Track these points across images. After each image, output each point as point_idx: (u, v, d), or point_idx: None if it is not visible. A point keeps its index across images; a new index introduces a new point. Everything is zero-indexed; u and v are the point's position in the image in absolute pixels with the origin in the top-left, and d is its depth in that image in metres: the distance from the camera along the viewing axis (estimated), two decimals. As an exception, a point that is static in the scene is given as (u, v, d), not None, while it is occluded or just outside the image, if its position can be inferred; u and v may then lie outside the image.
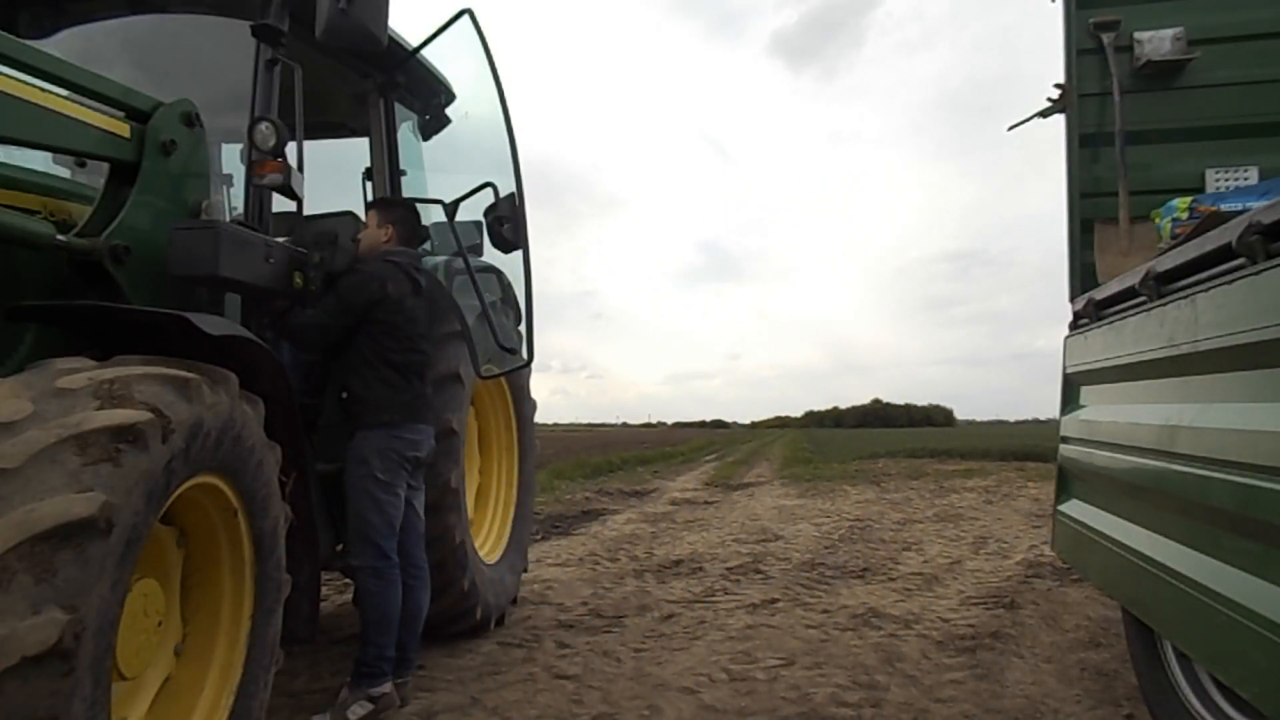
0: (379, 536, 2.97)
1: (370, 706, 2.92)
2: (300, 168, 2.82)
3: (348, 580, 3.97)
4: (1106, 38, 3.50)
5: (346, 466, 3.02)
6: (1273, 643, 1.57)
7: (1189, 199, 3.05)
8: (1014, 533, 7.35)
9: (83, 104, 2.26)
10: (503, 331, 3.79)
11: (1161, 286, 2.34)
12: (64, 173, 2.76)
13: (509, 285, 4.10)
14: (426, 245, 3.95)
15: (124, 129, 2.38)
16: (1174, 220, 3.03)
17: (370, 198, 3.80)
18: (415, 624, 3.19)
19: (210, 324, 2.16)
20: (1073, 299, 3.44)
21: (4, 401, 1.60)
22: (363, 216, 3.80)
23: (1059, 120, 3.64)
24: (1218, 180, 3.36)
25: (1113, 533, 2.63)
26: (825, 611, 4.58)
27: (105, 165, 2.40)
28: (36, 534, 1.44)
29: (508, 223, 3.43)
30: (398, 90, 3.77)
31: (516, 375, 4.36)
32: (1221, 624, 1.78)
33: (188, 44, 3.20)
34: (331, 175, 3.97)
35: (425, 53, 3.62)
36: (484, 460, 4.44)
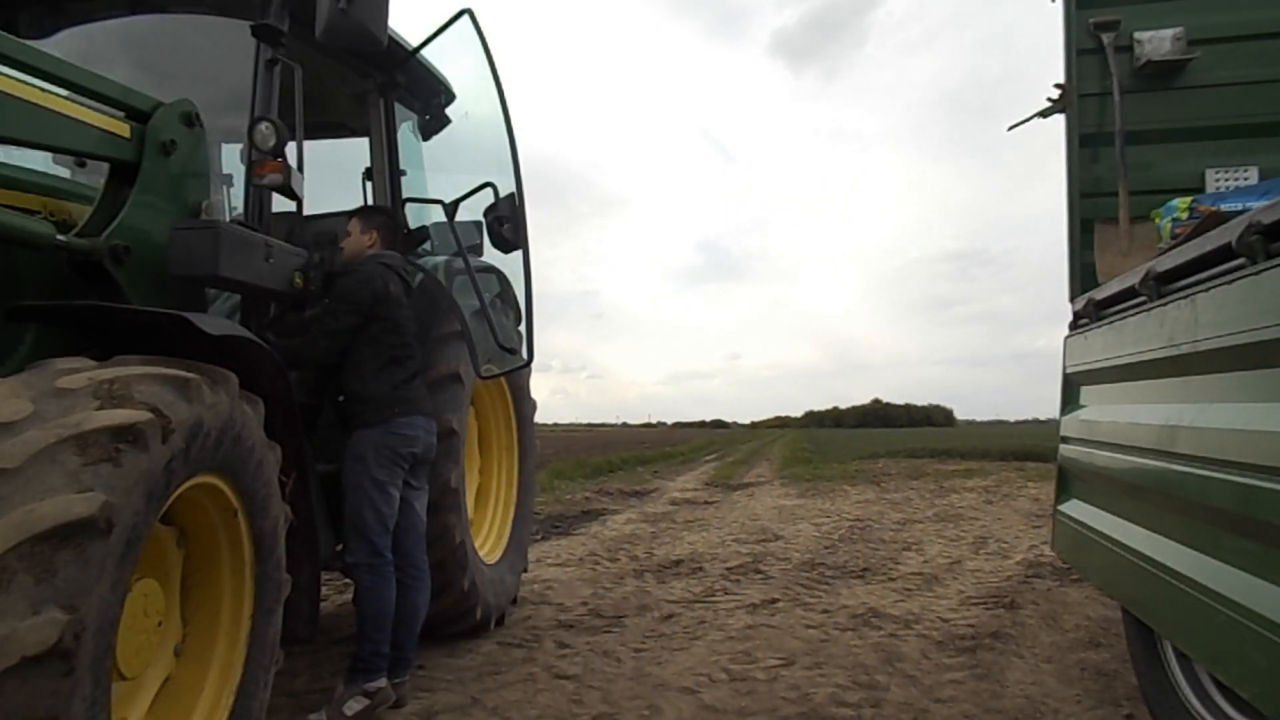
0: (373, 533, 2.98)
1: (366, 701, 2.93)
2: (300, 168, 2.82)
3: (348, 580, 3.97)
4: (1106, 38, 3.50)
5: (344, 464, 3.03)
6: (1273, 643, 1.57)
7: (1189, 199, 3.05)
8: (1014, 533, 7.35)
9: (83, 104, 2.26)
10: (502, 331, 3.79)
11: (1161, 286, 2.34)
12: (64, 173, 2.76)
13: (509, 285, 4.10)
14: (426, 245, 3.95)
15: (124, 129, 2.38)
16: (1174, 220, 3.03)
17: (371, 197, 3.80)
18: (413, 623, 3.19)
19: (210, 324, 2.16)
20: (1073, 299, 3.44)
21: (4, 401, 1.60)
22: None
23: (1059, 120, 3.64)
24: (1218, 180, 3.36)
25: (1113, 533, 2.63)
26: (825, 611, 4.58)
27: (105, 165, 2.40)
28: (36, 534, 1.44)
29: (508, 223, 3.43)
30: (398, 90, 3.77)
31: (516, 375, 4.36)
32: (1221, 624, 1.78)
33: (188, 44, 3.20)
34: (331, 175, 3.97)
35: (425, 52, 3.62)
36: (484, 460, 4.44)
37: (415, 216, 3.91)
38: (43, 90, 2.12)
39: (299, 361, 3.01)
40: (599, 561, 6.21)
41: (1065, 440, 3.30)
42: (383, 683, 3.00)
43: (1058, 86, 3.62)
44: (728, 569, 5.83)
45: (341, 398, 3.11)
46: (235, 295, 2.91)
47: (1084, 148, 3.54)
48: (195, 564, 2.17)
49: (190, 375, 1.91)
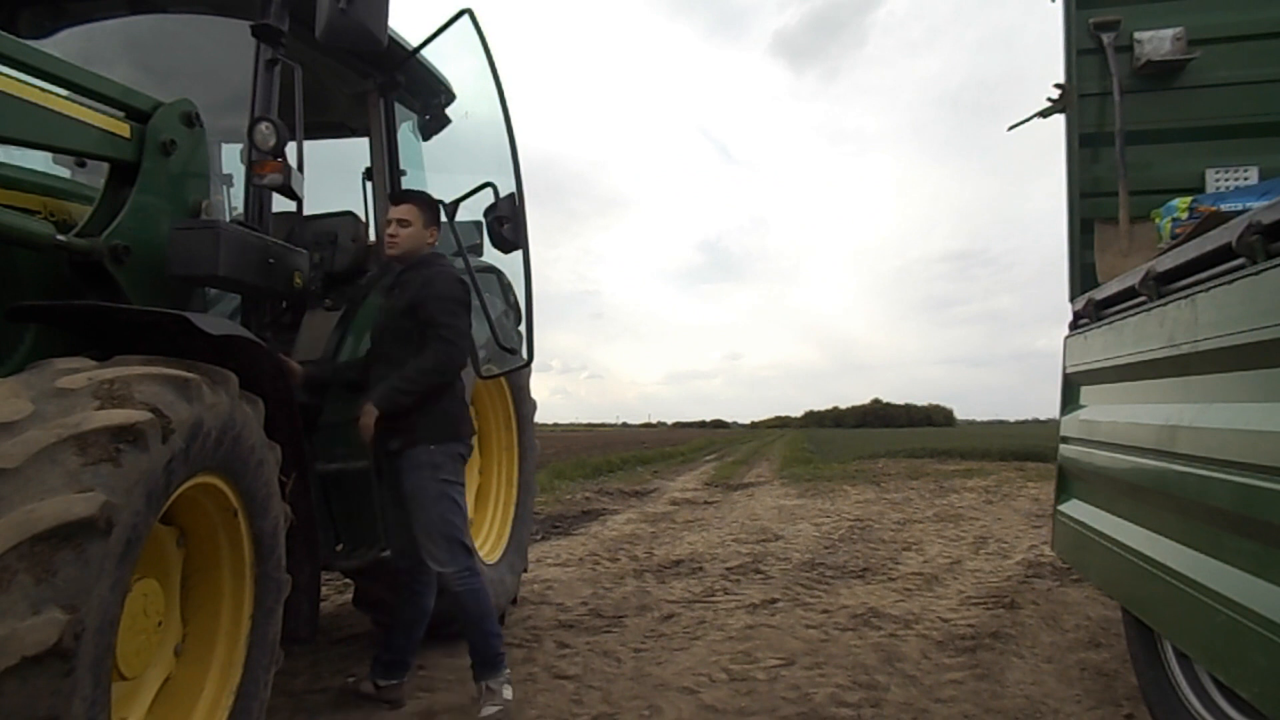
0: (463, 535, 2.97)
1: (509, 686, 3.01)
2: (300, 168, 2.82)
3: (348, 580, 3.97)
4: (1106, 38, 3.50)
5: (411, 475, 2.92)
6: (1273, 643, 1.57)
7: (1189, 199, 3.05)
8: (1014, 533, 7.35)
9: (83, 104, 2.25)
10: (503, 331, 3.79)
11: (1161, 286, 2.34)
12: (64, 173, 2.76)
13: (509, 285, 4.10)
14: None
15: (124, 129, 2.37)
16: (1174, 220, 3.03)
17: (371, 198, 3.80)
18: (417, 629, 3.18)
19: (210, 324, 2.15)
20: (1073, 299, 3.44)
21: (4, 401, 1.60)
22: (363, 216, 3.79)
23: (1059, 120, 3.64)
24: (1218, 180, 3.36)
25: (1113, 533, 2.63)
26: (825, 611, 4.58)
27: (105, 165, 2.40)
28: (36, 534, 1.44)
29: (508, 223, 3.43)
30: (398, 90, 3.77)
31: (516, 375, 4.36)
32: (1221, 624, 1.78)
33: (188, 44, 3.20)
34: (331, 175, 3.97)
35: (425, 52, 3.62)
36: (484, 460, 4.44)
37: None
38: (43, 90, 2.11)
39: (446, 372, 2.95)
40: (599, 561, 6.21)
41: (1065, 440, 3.30)
42: (508, 669, 3.06)
43: (1058, 86, 3.62)
44: (728, 569, 5.83)
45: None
46: (236, 295, 2.91)
47: (1084, 148, 3.54)
48: (195, 564, 2.17)
49: (190, 375, 1.91)
